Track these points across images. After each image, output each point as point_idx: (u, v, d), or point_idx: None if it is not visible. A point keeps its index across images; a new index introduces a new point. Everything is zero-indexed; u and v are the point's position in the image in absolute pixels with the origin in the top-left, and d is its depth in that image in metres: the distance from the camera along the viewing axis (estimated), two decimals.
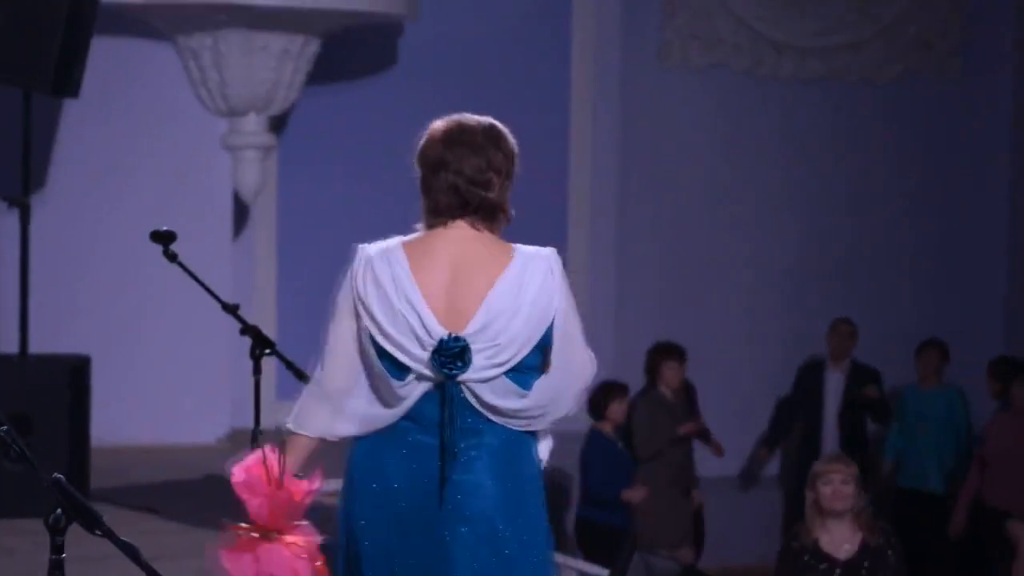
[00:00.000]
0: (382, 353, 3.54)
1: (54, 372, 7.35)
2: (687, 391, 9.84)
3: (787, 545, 6.31)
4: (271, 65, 9.10)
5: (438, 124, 3.65)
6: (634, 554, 8.81)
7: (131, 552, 2.99)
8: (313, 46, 9.21)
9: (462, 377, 3.48)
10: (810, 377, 10.20)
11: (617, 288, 10.66)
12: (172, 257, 5.04)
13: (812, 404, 10.12)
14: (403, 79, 10.11)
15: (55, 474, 2.98)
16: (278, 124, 9.59)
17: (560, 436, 11.05)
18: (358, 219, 10.20)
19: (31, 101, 7.61)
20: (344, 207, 10.01)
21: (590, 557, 8.43)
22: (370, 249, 3.64)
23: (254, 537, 3.53)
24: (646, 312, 10.63)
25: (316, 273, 10.32)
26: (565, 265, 3.64)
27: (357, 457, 3.63)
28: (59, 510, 2.98)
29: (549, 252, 3.61)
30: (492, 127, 3.65)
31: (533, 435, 3.64)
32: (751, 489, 10.86)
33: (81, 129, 8.86)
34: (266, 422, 4.88)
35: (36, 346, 7.59)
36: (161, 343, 9.03)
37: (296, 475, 3.61)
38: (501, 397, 3.52)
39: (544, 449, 3.68)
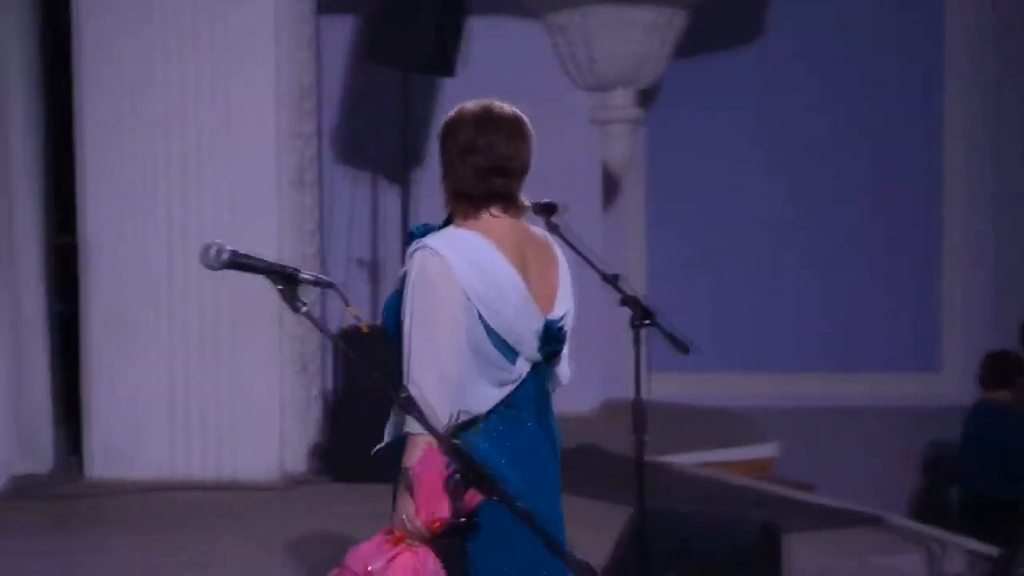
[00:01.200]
0: (493, 336, 3.51)
1: None
2: None
3: None
4: (638, 39, 9.16)
5: (469, 106, 3.62)
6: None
7: (528, 518, 3.07)
8: (680, 19, 9.22)
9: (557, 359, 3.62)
10: None
11: (995, 269, 10.32)
12: (554, 228, 5.11)
13: None
14: (771, 51, 10.01)
15: (454, 440, 3.10)
16: (647, 97, 9.64)
17: (940, 410, 10.55)
18: (728, 190, 10.18)
19: (409, 81, 7.86)
20: (712, 179, 9.98)
21: (979, 532, 8.19)
22: (442, 240, 3.50)
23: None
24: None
25: (685, 244, 10.41)
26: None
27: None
28: (458, 475, 3.11)
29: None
30: (521, 117, 3.63)
31: None
32: None
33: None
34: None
35: None
36: None
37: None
38: (564, 374, 3.69)
39: None
